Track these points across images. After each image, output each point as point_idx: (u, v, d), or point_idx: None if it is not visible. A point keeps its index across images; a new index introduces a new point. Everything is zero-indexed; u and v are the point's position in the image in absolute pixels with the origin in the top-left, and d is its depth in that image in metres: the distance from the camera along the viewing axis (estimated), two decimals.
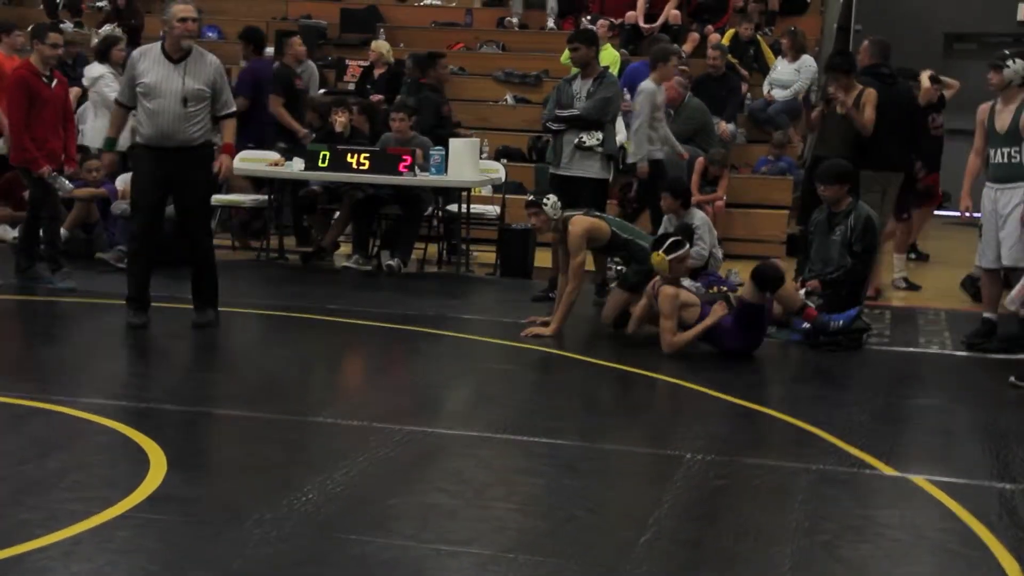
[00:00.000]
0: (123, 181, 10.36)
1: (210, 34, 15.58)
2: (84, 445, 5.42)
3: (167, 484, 4.84)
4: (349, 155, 10.00)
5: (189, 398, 6.35)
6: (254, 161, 10.68)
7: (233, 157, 8.04)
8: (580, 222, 8.12)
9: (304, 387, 6.85)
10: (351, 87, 13.92)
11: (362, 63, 14.10)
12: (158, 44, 7.64)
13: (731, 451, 5.67)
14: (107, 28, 14.49)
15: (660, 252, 7.69)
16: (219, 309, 7.97)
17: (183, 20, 7.43)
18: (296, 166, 10.42)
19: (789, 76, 13.04)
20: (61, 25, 13.88)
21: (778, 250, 11.70)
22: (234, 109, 7.91)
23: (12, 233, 10.75)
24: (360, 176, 10.07)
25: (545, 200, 8.15)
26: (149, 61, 7.51)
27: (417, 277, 10.38)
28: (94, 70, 11.47)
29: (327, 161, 10.04)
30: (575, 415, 6.40)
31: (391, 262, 10.21)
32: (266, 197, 10.87)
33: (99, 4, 16.02)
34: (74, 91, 11.35)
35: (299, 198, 11.07)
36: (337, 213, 10.81)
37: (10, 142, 9.26)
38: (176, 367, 7.39)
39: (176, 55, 7.49)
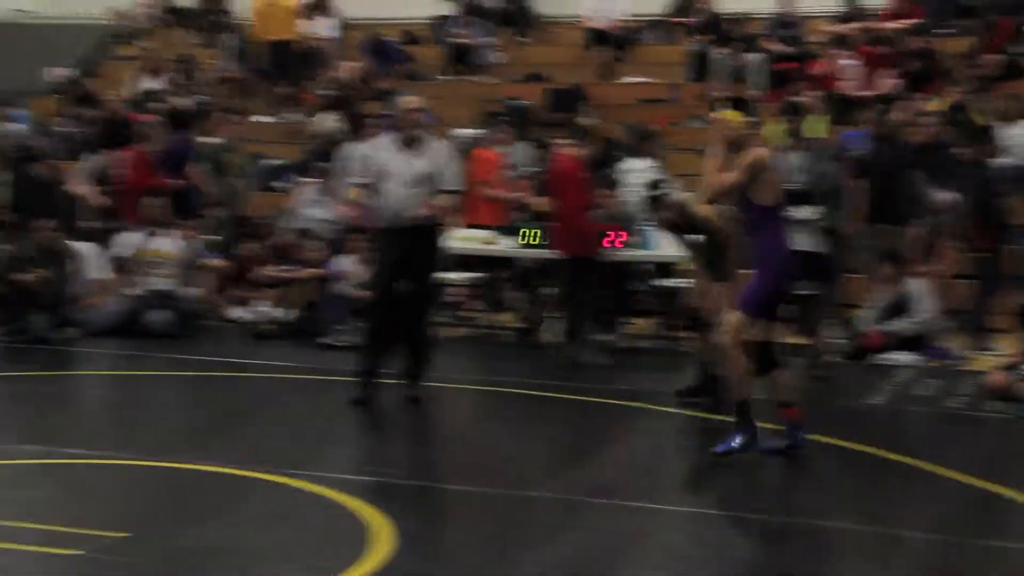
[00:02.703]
0: (341, 262, 10.67)
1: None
2: (309, 517, 5.56)
3: (394, 557, 4.91)
4: None
5: (412, 473, 6.47)
6: (468, 240, 10.86)
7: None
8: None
9: (520, 462, 6.88)
10: None
11: None
12: (393, 132, 8.19)
13: (962, 533, 5.45)
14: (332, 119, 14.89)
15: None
16: (437, 385, 8.14)
17: (407, 111, 8.06)
18: (507, 244, 10.55)
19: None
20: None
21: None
22: (457, 187, 8.23)
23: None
24: None
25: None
26: (383, 147, 8.07)
27: (628, 352, 10.33)
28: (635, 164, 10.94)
29: (538, 238, 10.16)
30: (791, 491, 6.24)
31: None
32: (481, 275, 11.04)
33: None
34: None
35: (511, 276, 11.18)
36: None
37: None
38: (397, 442, 7.53)
39: (406, 141, 7.98)
